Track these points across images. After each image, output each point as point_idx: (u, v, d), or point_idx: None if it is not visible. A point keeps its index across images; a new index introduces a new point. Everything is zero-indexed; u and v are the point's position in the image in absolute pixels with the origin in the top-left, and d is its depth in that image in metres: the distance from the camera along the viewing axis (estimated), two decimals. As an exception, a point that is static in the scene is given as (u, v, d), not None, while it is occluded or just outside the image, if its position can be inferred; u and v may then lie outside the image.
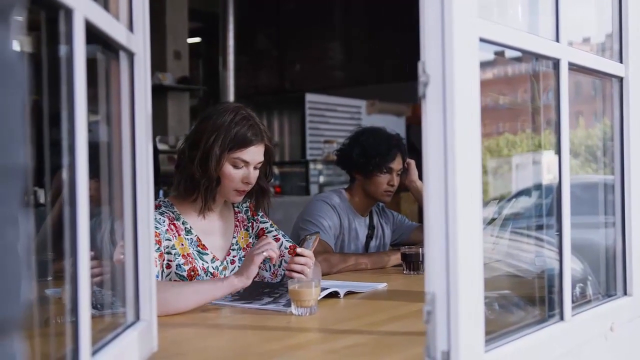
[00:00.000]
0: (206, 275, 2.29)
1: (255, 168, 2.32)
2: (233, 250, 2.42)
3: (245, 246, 2.46)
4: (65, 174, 1.05)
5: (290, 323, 1.88)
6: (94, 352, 1.14)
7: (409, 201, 6.81)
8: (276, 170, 8.11)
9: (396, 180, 3.13)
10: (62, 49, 1.06)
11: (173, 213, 2.30)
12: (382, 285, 2.46)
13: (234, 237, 2.44)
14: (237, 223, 2.47)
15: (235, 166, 2.27)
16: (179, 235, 2.28)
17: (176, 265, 2.24)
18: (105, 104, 1.40)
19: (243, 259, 2.39)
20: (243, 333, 1.80)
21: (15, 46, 0.64)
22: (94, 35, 1.16)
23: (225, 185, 2.30)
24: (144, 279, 1.45)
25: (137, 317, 1.44)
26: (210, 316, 1.97)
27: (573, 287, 1.70)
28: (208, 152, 2.24)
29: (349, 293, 2.28)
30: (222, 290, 2.05)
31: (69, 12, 1.03)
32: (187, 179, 2.29)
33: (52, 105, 1.08)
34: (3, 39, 0.62)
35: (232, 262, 2.40)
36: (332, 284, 2.29)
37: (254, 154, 2.29)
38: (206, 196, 2.29)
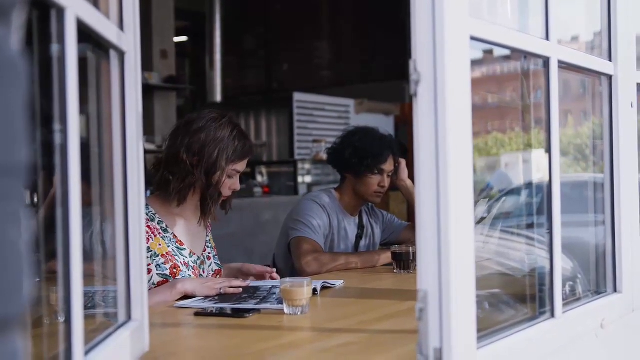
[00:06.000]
0: (188, 270, 2.38)
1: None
2: (208, 247, 2.55)
3: (213, 246, 2.60)
4: (57, 175, 1.05)
5: (282, 322, 1.88)
6: (87, 352, 1.14)
7: (397, 200, 6.83)
8: (264, 170, 8.10)
9: (387, 182, 3.13)
10: (54, 48, 1.05)
11: (147, 214, 2.33)
12: (339, 282, 2.48)
13: (207, 236, 2.57)
14: (208, 224, 2.60)
15: (229, 176, 2.41)
16: (156, 236, 2.34)
17: (156, 266, 2.31)
18: (96, 104, 1.40)
19: (216, 256, 2.57)
20: (235, 333, 1.80)
21: (16, 45, 0.64)
22: (84, 34, 1.15)
23: None
24: (135, 279, 1.44)
25: (129, 317, 1.43)
26: (202, 317, 1.97)
27: (563, 286, 1.71)
28: (214, 165, 2.35)
29: (324, 288, 2.35)
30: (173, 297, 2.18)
31: (60, 11, 1.03)
32: (187, 187, 2.37)
33: (43, 104, 1.07)
34: (4, 38, 0.62)
35: (208, 257, 2.53)
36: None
37: (245, 164, 2.47)
38: (212, 206, 2.42)
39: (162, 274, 2.30)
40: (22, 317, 0.64)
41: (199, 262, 2.45)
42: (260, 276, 2.53)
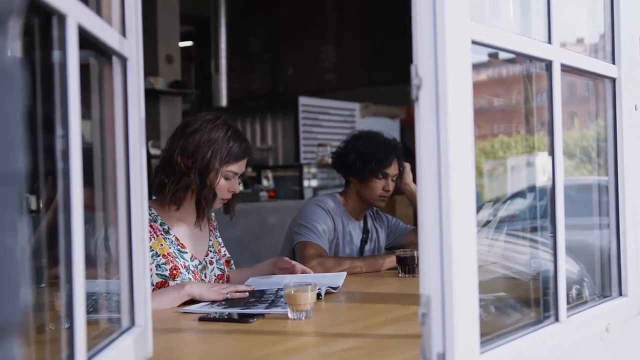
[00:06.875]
0: (188, 273, 2.38)
1: (239, 178, 2.47)
2: (211, 252, 2.54)
3: (217, 250, 2.59)
4: (59, 180, 1.05)
5: (286, 327, 1.88)
6: (90, 358, 1.14)
7: (403, 204, 6.81)
8: (270, 174, 8.10)
9: (391, 186, 3.13)
10: (55, 54, 1.05)
11: (150, 215, 2.34)
12: (343, 275, 2.54)
13: (210, 240, 2.56)
14: (211, 228, 2.60)
15: (226, 178, 2.41)
16: (158, 236, 2.36)
17: (156, 266, 2.31)
18: (98, 110, 1.40)
19: (219, 261, 2.56)
20: (239, 338, 1.80)
21: (14, 52, 0.64)
22: (86, 40, 1.15)
23: None
24: (138, 284, 1.44)
25: (132, 323, 1.43)
26: (206, 322, 1.97)
27: (569, 289, 1.70)
28: (207, 166, 2.35)
29: (328, 293, 2.34)
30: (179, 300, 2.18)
31: (62, 18, 1.03)
32: (182, 189, 2.37)
33: (45, 110, 1.07)
34: (1, 45, 0.62)
35: (211, 262, 2.52)
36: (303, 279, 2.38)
37: (243, 166, 2.46)
38: (206, 207, 2.42)
39: (161, 275, 2.31)
40: (19, 324, 0.64)
41: (200, 266, 2.45)
42: (291, 270, 2.57)
